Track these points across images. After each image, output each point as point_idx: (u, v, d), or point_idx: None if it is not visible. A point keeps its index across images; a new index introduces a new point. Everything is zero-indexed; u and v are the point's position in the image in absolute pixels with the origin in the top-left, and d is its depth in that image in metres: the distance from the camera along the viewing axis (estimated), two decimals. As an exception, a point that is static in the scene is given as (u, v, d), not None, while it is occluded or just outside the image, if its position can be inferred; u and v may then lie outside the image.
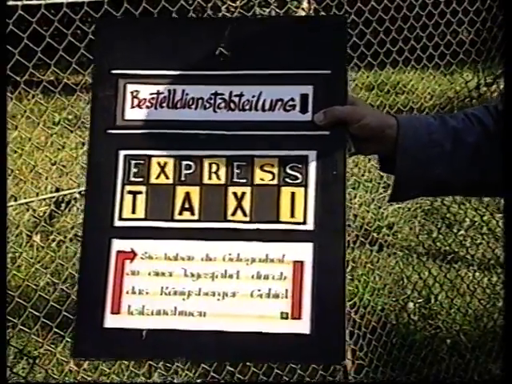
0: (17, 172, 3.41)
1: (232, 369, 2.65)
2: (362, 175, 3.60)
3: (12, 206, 3.12)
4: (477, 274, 3.40)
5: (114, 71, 1.25)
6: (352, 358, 2.75)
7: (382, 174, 3.38)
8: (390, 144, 1.29)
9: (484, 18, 3.29)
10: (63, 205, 3.81)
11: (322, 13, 2.86)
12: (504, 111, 1.23)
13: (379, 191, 3.52)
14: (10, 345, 2.56)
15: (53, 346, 2.67)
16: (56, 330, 2.47)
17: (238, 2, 2.60)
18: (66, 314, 2.44)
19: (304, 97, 1.22)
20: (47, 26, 2.34)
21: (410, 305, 3.24)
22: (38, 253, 3.44)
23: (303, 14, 2.52)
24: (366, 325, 2.87)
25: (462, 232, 3.57)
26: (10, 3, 2.15)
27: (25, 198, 3.29)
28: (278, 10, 2.57)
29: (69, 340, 2.60)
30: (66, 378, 2.78)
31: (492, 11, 3.31)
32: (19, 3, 2.18)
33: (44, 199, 3.32)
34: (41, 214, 3.56)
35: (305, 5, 2.51)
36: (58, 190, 3.62)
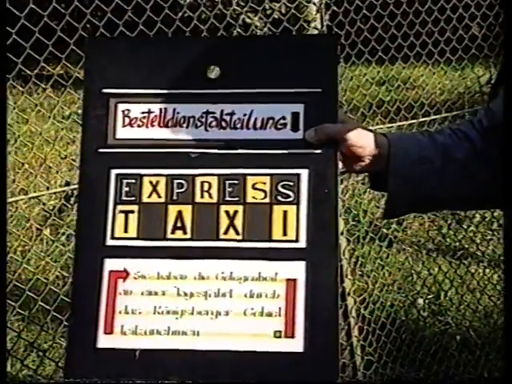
0: (27, 166, 3.41)
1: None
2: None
3: (22, 199, 3.15)
4: (487, 270, 3.39)
5: (105, 90, 1.25)
6: (361, 353, 2.76)
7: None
8: (381, 163, 1.30)
9: (497, 13, 3.26)
10: (73, 199, 3.80)
11: (334, 8, 2.85)
12: (504, 112, 1.20)
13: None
14: (21, 338, 2.55)
15: (62, 339, 2.67)
16: (66, 323, 2.48)
17: (249, -4, 2.60)
18: (76, 307, 2.47)
19: (295, 115, 1.22)
20: (58, 20, 2.34)
21: (420, 301, 3.24)
22: (47, 246, 3.44)
23: (314, 8, 2.49)
24: (375, 321, 2.87)
25: (472, 228, 3.55)
26: None
27: (35, 192, 3.30)
28: (288, 4, 2.57)
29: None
30: (76, 371, 2.79)
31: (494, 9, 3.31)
32: None
33: (54, 193, 3.33)
34: (51, 208, 3.57)
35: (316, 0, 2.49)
36: (67, 184, 3.64)
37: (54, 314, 2.40)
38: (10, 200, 2.84)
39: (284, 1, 2.61)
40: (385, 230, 3.54)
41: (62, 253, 3.30)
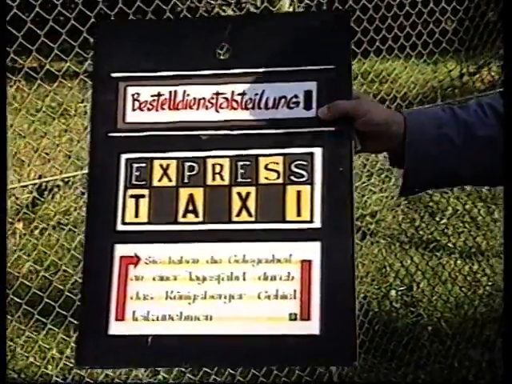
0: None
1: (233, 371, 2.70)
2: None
3: None
4: (458, 261, 3.45)
5: (113, 74, 1.24)
6: None
7: (365, 162, 3.43)
8: (398, 141, 1.29)
9: (467, 7, 3.33)
10: (46, 192, 3.82)
11: (307, 1, 2.89)
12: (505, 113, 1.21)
13: (362, 180, 3.56)
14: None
15: (35, 333, 2.69)
16: (38, 317, 2.49)
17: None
18: (48, 301, 2.47)
19: (308, 93, 1.21)
20: (28, 12, 2.33)
21: (393, 292, 3.29)
22: (20, 240, 3.45)
23: (287, 2, 2.52)
24: (364, 309, 2.95)
25: (445, 220, 3.61)
26: None
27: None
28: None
29: (51, 327, 2.61)
30: (49, 366, 2.80)
31: (475, 0, 3.35)
32: None
33: (26, 186, 3.32)
34: (23, 202, 3.57)
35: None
36: (40, 177, 3.63)
37: (26, 307, 2.41)
38: None
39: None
40: (358, 223, 3.58)
41: (34, 246, 3.29)
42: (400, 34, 3.15)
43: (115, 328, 1.13)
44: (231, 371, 2.75)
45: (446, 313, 3.11)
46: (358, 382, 2.90)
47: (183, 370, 2.76)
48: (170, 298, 1.14)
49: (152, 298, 1.14)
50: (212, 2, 2.88)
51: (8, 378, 2.64)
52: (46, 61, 2.64)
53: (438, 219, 3.61)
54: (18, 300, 2.42)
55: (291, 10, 2.52)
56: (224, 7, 3.17)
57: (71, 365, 2.76)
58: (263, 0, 2.59)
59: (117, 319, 1.13)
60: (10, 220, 3.51)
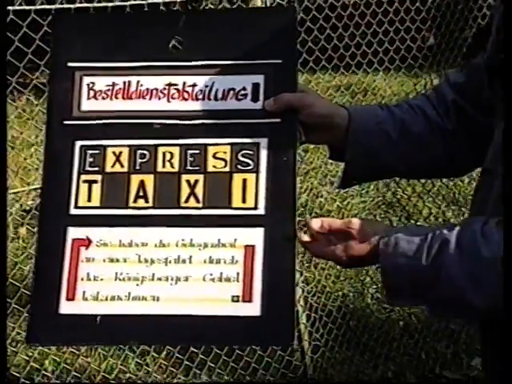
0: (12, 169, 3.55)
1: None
2: (329, 171, 3.75)
3: None
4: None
5: (70, 64, 1.26)
6: (309, 339, 2.87)
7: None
8: (340, 134, 1.31)
9: (439, 23, 3.47)
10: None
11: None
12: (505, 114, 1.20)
13: (345, 185, 3.69)
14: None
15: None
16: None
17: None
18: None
19: (255, 86, 1.23)
20: (38, 31, 2.39)
21: (368, 290, 3.32)
22: (24, 244, 3.51)
23: (259, 2, 2.62)
24: (322, 308, 2.98)
25: (420, 222, 3.65)
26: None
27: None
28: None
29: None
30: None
31: (446, 18, 3.49)
32: (11, 8, 2.25)
33: (29, 190, 3.37)
34: (27, 208, 3.64)
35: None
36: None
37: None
38: None
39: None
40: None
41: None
42: (379, 49, 3.24)
43: (65, 307, 1.15)
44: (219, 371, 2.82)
45: (414, 308, 3.12)
46: (332, 373, 2.93)
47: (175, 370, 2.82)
48: (119, 280, 1.16)
49: (102, 280, 1.16)
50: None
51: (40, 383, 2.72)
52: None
53: (413, 221, 3.65)
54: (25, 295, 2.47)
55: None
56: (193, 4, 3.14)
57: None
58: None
59: (67, 299, 1.15)
60: (14, 225, 3.63)
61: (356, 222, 1.17)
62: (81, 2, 2.36)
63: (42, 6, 2.30)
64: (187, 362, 2.82)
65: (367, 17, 3.21)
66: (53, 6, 2.29)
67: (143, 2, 2.47)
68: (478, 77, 1.34)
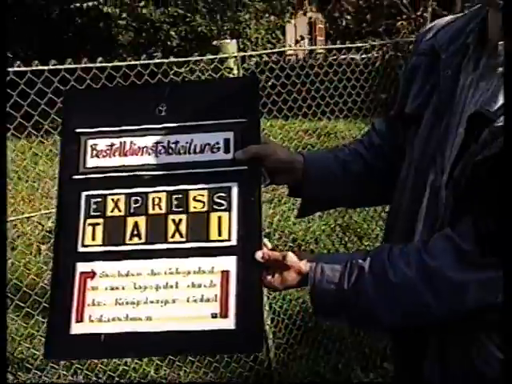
0: (32, 196, 3.92)
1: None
2: (296, 200, 4.00)
3: (22, 219, 3.51)
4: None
5: (77, 130, 1.31)
6: (273, 338, 3.04)
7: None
8: (298, 176, 1.39)
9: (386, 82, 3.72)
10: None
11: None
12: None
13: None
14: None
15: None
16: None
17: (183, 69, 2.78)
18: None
19: (226, 140, 1.28)
20: (49, 87, 2.52)
21: None
22: (44, 258, 3.70)
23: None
24: (284, 312, 3.16)
25: (369, 242, 3.87)
26: (21, 69, 2.35)
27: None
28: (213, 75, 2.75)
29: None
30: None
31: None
32: (10, 69, 2.36)
33: (48, 213, 3.51)
34: (48, 229, 3.82)
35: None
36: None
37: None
38: (13, 218, 3.20)
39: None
40: (303, 245, 3.87)
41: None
42: (340, 100, 3.53)
43: (75, 328, 1.19)
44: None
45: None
46: (293, 365, 3.10)
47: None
48: (119, 304, 1.20)
49: (104, 304, 1.20)
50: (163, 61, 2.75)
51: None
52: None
53: (364, 241, 3.85)
54: (40, 300, 2.62)
55: (235, 71, 2.72)
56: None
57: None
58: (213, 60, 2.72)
59: (77, 321, 1.19)
60: (37, 244, 3.81)
61: (290, 256, 1.22)
62: (70, 64, 2.49)
63: (38, 68, 2.39)
64: (171, 357, 2.96)
65: (329, 75, 3.51)
66: (45, 67, 2.39)
67: (136, 63, 2.63)
68: (394, 125, 1.44)
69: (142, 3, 9.32)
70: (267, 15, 10.33)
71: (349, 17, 9.38)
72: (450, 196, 1.24)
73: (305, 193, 1.42)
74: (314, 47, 8.38)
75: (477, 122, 1.20)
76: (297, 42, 11.91)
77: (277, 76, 3.29)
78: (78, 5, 9.49)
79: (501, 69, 1.21)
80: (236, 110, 1.29)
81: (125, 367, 2.99)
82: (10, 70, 2.34)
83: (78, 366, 2.90)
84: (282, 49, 3.52)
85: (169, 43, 9.40)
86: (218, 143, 1.28)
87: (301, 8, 12.90)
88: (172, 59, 2.60)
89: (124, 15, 9.39)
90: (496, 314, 1.22)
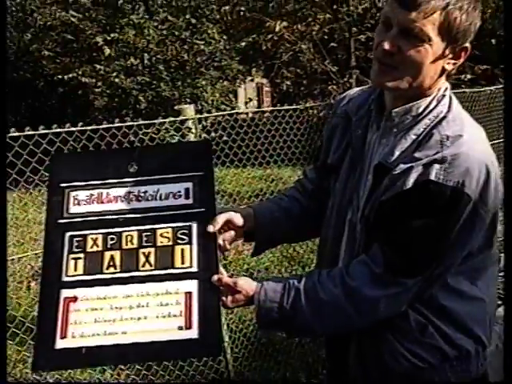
0: (22, 240, 3.89)
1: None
2: None
3: (15, 259, 3.44)
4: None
5: (61, 184, 1.34)
6: (231, 352, 3.03)
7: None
8: (251, 226, 1.43)
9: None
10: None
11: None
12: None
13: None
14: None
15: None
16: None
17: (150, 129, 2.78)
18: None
19: (187, 189, 1.31)
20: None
21: None
22: (34, 293, 3.63)
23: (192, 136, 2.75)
24: (239, 331, 3.18)
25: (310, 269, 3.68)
26: (15, 134, 2.33)
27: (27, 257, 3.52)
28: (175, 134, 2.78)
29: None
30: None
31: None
32: (21, 134, 2.38)
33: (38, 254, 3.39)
34: (37, 269, 3.79)
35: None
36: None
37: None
38: (9, 258, 3.02)
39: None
40: (255, 274, 3.87)
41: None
42: (288, 151, 3.55)
43: (60, 343, 1.19)
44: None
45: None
46: (248, 375, 3.10)
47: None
48: (97, 322, 1.20)
49: (85, 323, 1.20)
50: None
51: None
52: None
53: (306, 269, 3.85)
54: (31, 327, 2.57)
55: (194, 130, 2.75)
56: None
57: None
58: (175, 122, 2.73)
59: (61, 337, 1.19)
60: (27, 281, 3.71)
61: (240, 282, 1.26)
62: (56, 128, 2.47)
63: (29, 132, 2.38)
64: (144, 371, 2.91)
65: (275, 125, 3.51)
66: (35, 132, 2.38)
67: (111, 126, 2.64)
68: (321, 173, 1.51)
69: (115, 74, 9.38)
70: (221, 81, 10.47)
71: (289, 82, 9.63)
72: (363, 229, 1.32)
73: (257, 238, 1.46)
74: (259, 109, 8.63)
75: (380, 170, 1.29)
76: (246, 103, 12.12)
77: (229, 133, 3.33)
78: (60, 76, 9.49)
79: (395, 129, 1.32)
80: (194, 166, 1.32)
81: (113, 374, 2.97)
82: (31, 132, 2.39)
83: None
84: (233, 111, 3.53)
85: (138, 106, 9.47)
86: (179, 191, 1.30)
87: (249, 75, 13.14)
88: (141, 122, 2.63)
89: (99, 84, 9.41)
90: (398, 318, 1.30)
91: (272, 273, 4.02)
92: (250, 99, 11.39)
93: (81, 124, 2.51)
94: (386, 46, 1.20)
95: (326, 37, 9.51)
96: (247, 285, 1.27)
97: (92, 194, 1.32)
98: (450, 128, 1.23)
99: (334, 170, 1.43)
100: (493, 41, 8.06)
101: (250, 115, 4.74)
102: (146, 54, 9.58)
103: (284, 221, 1.48)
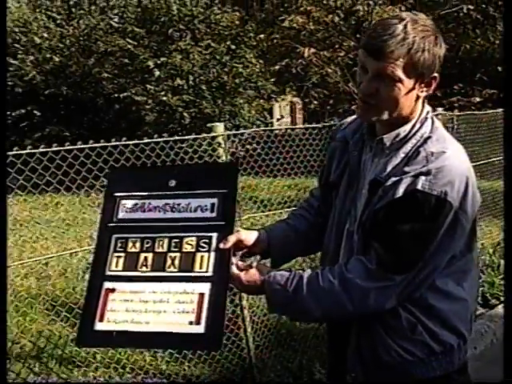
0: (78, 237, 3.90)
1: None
2: None
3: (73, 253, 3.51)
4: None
5: (114, 194, 1.38)
6: (253, 342, 3.02)
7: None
8: (265, 245, 1.45)
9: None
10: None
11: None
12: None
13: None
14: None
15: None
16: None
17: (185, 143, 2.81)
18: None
19: (212, 204, 1.33)
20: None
21: None
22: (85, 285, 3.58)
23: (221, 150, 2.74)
24: (261, 322, 3.16)
25: None
26: (29, 151, 2.33)
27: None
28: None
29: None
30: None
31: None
32: (10, 153, 2.27)
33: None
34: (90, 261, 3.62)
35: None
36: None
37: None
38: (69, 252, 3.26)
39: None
40: None
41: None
42: (314, 164, 3.50)
43: (98, 326, 1.25)
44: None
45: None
46: (268, 362, 3.05)
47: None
48: (127, 311, 1.25)
49: (118, 311, 1.26)
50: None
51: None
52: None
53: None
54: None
55: (223, 145, 2.74)
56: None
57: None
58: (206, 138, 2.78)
59: (99, 321, 1.25)
60: (82, 272, 3.76)
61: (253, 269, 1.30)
62: (114, 142, 2.51)
63: (31, 151, 2.39)
64: (177, 355, 2.95)
65: (303, 140, 3.44)
66: (37, 150, 2.38)
67: (151, 140, 2.70)
68: (325, 190, 1.52)
69: (163, 93, 9.53)
70: (257, 100, 10.52)
71: (316, 102, 9.63)
72: (360, 236, 1.35)
73: (272, 256, 1.48)
74: (290, 127, 8.62)
75: (374, 184, 1.32)
76: (278, 119, 12.14)
77: (262, 146, 3.39)
78: (116, 95, 9.70)
79: (387, 151, 1.35)
80: (220, 184, 1.34)
81: (144, 363, 3.00)
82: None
83: (108, 360, 2.91)
84: (257, 129, 3.63)
85: (183, 121, 9.59)
86: (206, 205, 1.33)
87: (283, 94, 13.17)
88: (176, 138, 2.72)
89: (149, 101, 9.57)
90: (391, 317, 1.32)
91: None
92: (282, 116, 11.38)
93: (124, 139, 2.60)
94: (364, 89, 1.26)
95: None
96: (259, 272, 1.32)
97: (137, 204, 1.35)
98: (434, 146, 1.27)
99: (334, 187, 1.45)
100: (499, 68, 7.93)
101: (282, 131, 4.69)
102: (190, 76, 9.69)
103: (294, 238, 1.50)
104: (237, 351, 2.99)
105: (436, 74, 1.29)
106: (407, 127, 1.32)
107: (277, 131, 3.91)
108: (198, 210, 1.32)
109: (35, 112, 9.94)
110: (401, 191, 1.23)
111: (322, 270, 1.31)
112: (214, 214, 1.31)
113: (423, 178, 1.23)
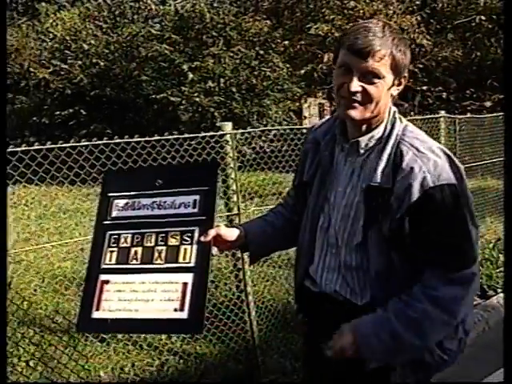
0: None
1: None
2: None
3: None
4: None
5: (108, 194, 1.41)
6: (257, 325, 2.97)
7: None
8: (243, 241, 1.45)
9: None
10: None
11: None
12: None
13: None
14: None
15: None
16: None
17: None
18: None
19: (195, 200, 1.34)
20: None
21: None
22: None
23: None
24: (264, 307, 3.15)
25: None
26: (36, 147, 2.23)
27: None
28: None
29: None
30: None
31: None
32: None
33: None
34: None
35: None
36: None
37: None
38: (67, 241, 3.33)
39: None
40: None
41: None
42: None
43: (95, 314, 1.29)
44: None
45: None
46: (270, 343, 3.02)
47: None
48: (120, 300, 1.28)
49: (112, 300, 1.29)
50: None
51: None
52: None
53: None
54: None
55: (230, 143, 2.68)
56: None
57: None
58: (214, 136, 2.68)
59: (96, 310, 1.29)
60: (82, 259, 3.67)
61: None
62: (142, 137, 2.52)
63: (26, 148, 2.30)
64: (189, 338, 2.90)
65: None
66: (31, 148, 2.28)
67: (161, 138, 2.66)
68: (299, 190, 1.50)
69: (196, 94, 9.57)
70: (283, 101, 10.45)
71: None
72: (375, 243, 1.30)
73: (250, 250, 1.49)
74: (297, 127, 8.49)
75: (370, 190, 1.28)
76: (304, 117, 12.00)
77: (289, 144, 3.32)
78: (154, 96, 9.71)
79: (362, 151, 1.33)
80: (202, 182, 1.35)
81: (167, 342, 3.04)
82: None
83: (128, 337, 2.93)
84: (262, 128, 3.53)
85: (214, 121, 9.62)
86: (189, 202, 1.34)
87: (309, 96, 13.05)
88: (186, 135, 2.69)
89: (184, 102, 9.60)
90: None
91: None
92: (306, 116, 11.26)
93: (137, 136, 2.58)
94: (353, 87, 1.24)
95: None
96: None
97: (128, 202, 1.37)
98: (415, 143, 1.27)
99: (308, 186, 1.43)
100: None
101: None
102: (222, 79, 9.70)
103: (270, 232, 1.48)
104: (241, 333, 2.99)
105: (406, 74, 1.30)
106: (380, 129, 1.32)
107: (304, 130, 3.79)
108: (182, 206, 1.32)
109: (82, 111, 10.11)
110: (416, 194, 1.21)
111: (398, 301, 1.24)
112: (195, 210, 1.31)
113: (427, 174, 1.21)
